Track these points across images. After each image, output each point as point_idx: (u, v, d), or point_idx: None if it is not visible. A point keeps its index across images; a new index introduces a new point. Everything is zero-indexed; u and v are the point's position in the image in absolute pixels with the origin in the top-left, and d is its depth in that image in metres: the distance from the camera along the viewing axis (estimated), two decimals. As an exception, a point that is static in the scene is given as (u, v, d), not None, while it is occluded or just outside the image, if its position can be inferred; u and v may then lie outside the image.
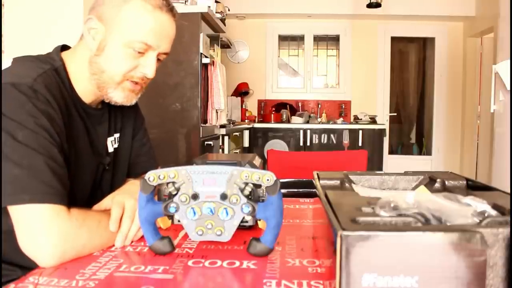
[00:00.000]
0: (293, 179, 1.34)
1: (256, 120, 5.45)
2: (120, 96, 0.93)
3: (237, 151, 4.16)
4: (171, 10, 0.92)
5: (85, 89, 0.93)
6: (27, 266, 0.72)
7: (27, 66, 0.86)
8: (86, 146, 0.94)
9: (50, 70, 0.87)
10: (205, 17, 3.09)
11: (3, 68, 0.85)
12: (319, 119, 5.38)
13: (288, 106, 5.47)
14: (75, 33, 0.95)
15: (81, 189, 0.92)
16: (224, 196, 0.70)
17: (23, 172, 0.73)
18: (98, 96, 0.96)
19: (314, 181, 0.79)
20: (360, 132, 4.96)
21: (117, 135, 1.07)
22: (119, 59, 0.89)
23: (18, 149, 0.74)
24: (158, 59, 0.94)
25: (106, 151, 1.02)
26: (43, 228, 0.72)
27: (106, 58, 0.89)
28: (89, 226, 0.76)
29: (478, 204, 0.56)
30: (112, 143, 1.04)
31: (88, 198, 0.95)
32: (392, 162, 5.59)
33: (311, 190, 0.81)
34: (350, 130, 4.97)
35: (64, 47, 0.97)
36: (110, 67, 0.90)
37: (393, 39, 5.66)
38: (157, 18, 0.89)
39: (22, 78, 0.80)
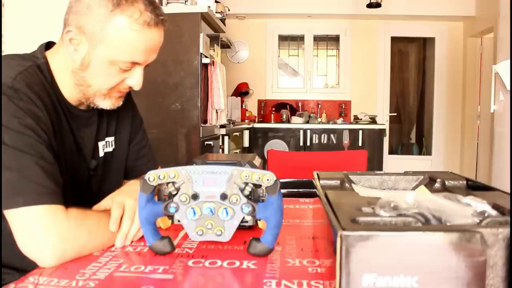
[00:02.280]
0: (293, 179, 1.34)
1: (256, 120, 5.45)
2: (107, 103, 0.92)
3: (237, 151, 4.16)
4: (159, 22, 0.85)
5: (70, 92, 0.91)
6: (25, 269, 0.71)
7: (7, 65, 0.82)
8: (70, 147, 0.91)
9: (32, 67, 0.84)
10: (205, 17, 3.09)
11: None
12: (319, 119, 5.38)
13: (288, 106, 5.47)
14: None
15: (64, 192, 0.90)
16: (224, 196, 0.70)
17: (13, 174, 0.72)
18: (84, 101, 0.93)
19: (314, 181, 0.79)
20: (360, 132, 4.96)
21: (110, 139, 1.04)
22: (104, 76, 0.86)
23: (5, 152, 0.72)
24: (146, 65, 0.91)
25: (93, 155, 0.99)
26: (41, 229, 0.71)
27: (92, 74, 0.86)
28: (89, 226, 0.76)
29: (478, 204, 0.56)
30: (103, 147, 1.02)
31: (74, 202, 0.91)
32: (392, 162, 5.58)
33: (311, 190, 0.81)
34: (350, 130, 4.97)
35: (50, 45, 0.94)
36: (96, 83, 0.87)
37: (393, 39, 5.66)
38: (145, 37, 0.84)
39: (1, 78, 0.78)
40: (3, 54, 0.90)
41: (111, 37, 0.82)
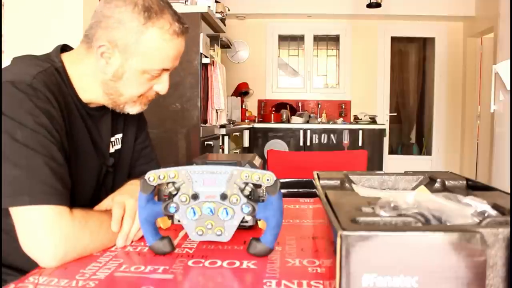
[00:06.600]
0: (293, 179, 1.34)
1: (256, 120, 5.45)
2: (136, 109, 0.96)
3: (237, 151, 4.16)
4: (185, 30, 0.91)
5: (90, 97, 0.92)
6: (27, 270, 0.71)
7: (27, 64, 0.85)
8: (88, 146, 0.93)
9: (50, 68, 0.87)
10: (205, 17, 3.09)
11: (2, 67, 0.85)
12: (319, 119, 5.38)
13: (288, 106, 5.47)
14: (75, 33, 0.94)
15: (83, 190, 0.91)
16: (224, 196, 0.70)
17: (23, 172, 0.72)
18: (111, 107, 0.95)
19: (314, 181, 0.79)
20: (360, 132, 4.96)
21: (119, 136, 1.06)
22: (137, 85, 0.90)
23: (17, 149, 0.73)
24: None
25: (110, 153, 1.01)
26: (44, 229, 0.71)
27: (124, 85, 0.89)
28: (91, 228, 0.76)
29: (478, 204, 0.56)
30: (112, 144, 1.03)
31: (90, 200, 0.93)
32: (392, 162, 5.58)
33: (311, 190, 0.81)
34: (350, 130, 4.97)
35: (63, 48, 0.96)
36: (128, 91, 0.91)
37: (393, 39, 5.66)
38: (174, 45, 0.89)
39: (21, 76, 0.80)
40: (3, 54, 0.91)
41: (146, 48, 0.86)
